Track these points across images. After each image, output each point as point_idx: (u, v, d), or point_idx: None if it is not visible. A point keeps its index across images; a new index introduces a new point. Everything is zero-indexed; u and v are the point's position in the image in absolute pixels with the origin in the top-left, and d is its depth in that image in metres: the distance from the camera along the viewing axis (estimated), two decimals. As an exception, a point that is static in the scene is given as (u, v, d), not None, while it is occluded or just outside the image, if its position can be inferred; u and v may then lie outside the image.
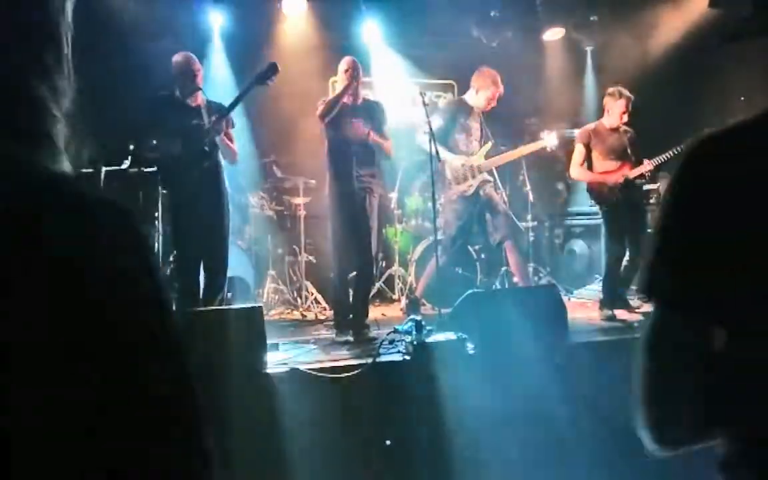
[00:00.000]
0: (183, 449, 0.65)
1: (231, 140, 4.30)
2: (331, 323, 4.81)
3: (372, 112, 4.60)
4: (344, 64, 4.57)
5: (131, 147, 4.93)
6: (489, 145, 5.28)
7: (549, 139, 5.34)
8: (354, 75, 4.50)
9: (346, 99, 4.48)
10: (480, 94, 5.15)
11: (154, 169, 4.73)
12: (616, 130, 5.20)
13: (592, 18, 7.42)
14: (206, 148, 4.08)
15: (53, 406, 0.58)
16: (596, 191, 5.18)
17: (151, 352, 0.65)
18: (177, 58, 4.22)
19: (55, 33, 0.70)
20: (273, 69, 4.03)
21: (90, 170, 4.75)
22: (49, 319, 0.59)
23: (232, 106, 4.06)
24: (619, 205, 5.05)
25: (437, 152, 4.57)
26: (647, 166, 5.04)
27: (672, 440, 0.84)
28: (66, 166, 0.69)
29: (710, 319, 0.81)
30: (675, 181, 0.85)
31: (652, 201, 6.33)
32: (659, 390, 0.83)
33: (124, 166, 5.03)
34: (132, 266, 0.66)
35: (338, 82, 4.66)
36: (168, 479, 0.64)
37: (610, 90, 5.25)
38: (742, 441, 0.81)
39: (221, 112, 4.11)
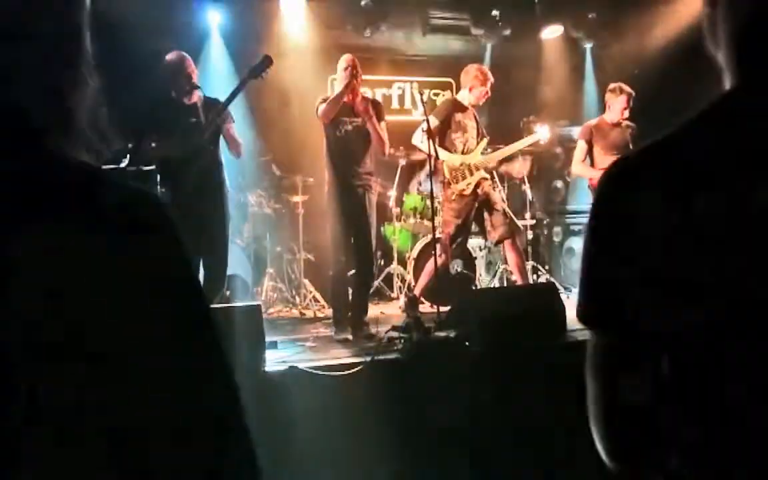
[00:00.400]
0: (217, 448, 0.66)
1: (233, 133, 4.27)
2: (330, 321, 4.81)
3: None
4: (344, 62, 4.56)
5: (130, 146, 4.92)
6: (485, 142, 5.29)
7: (542, 132, 5.38)
8: (353, 73, 4.48)
9: (345, 97, 4.47)
10: (473, 92, 5.16)
11: (153, 167, 4.71)
12: (618, 125, 5.23)
13: (590, 15, 7.42)
14: (204, 146, 4.08)
15: (71, 399, 0.58)
16: None
17: (190, 345, 0.65)
18: (171, 57, 4.20)
19: (76, 28, 0.71)
20: (267, 61, 4.02)
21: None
22: (84, 307, 0.59)
23: (228, 101, 4.05)
24: None
25: (435, 150, 4.57)
26: None
27: (625, 458, 0.85)
28: (90, 158, 0.69)
29: (642, 343, 0.81)
30: (594, 208, 0.86)
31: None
32: (605, 409, 0.85)
33: (122, 165, 5.02)
34: (169, 256, 0.66)
35: (338, 80, 4.65)
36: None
37: (612, 86, 5.28)
38: (691, 460, 0.81)
39: (218, 109, 4.10)
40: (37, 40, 0.66)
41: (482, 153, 5.21)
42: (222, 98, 4.20)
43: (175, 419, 0.63)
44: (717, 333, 0.77)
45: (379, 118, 4.59)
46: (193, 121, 4.11)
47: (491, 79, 5.15)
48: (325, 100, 4.49)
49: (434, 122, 4.99)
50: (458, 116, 5.13)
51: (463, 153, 5.12)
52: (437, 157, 4.68)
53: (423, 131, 4.81)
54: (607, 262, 0.84)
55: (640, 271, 0.80)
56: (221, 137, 4.27)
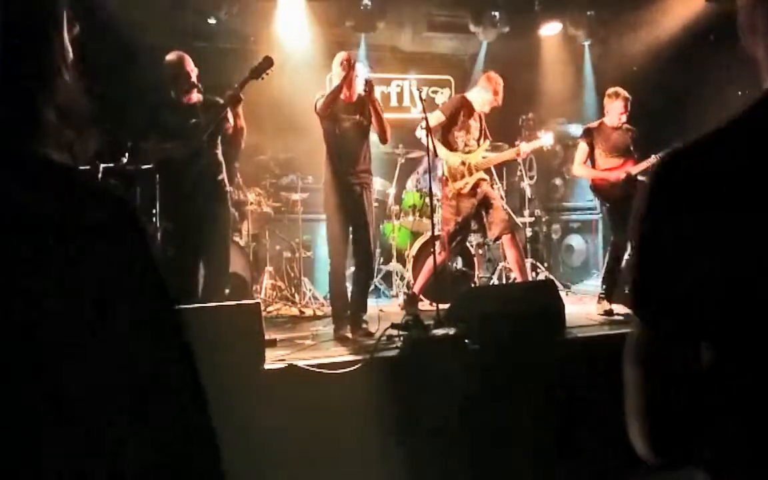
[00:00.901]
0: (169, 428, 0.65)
1: (237, 129, 4.23)
2: (329, 319, 4.82)
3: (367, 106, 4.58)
4: (339, 57, 4.56)
5: (129, 144, 4.92)
6: (487, 143, 5.30)
7: (545, 139, 5.41)
8: (349, 67, 4.48)
9: (343, 94, 4.46)
10: (483, 97, 5.18)
11: (152, 166, 4.71)
12: (618, 128, 5.24)
13: (589, 13, 7.42)
14: (204, 146, 4.07)
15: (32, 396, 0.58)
16: (599, 188, 5.25)
17: (147, 337, 0.65)
18: (170, 58, 4.17)
19: (51, 32, 0.70)
20: (268, 62, 4.03)
21: (88, 167, 4.73)
22: (48, 306, 0.59)
23: (228, 102, 4.05)
24: (622, 200, 5.08)
25: (434, 148, 4.57)
26: (653, 160, 5.06)
27: (663, 452, 0.84)
28: (64, 157, 0.69)
29: (693, 338, 0.81)
30: (649, 197, 0.85)
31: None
32: (646, 404, 0.84)
33: (122, 163, 5.01)
34: (131, 256, 0.66)
35: (334, 76, 4.65)
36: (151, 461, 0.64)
37: (609, 91, 5.30)
38: (731, 452, 0.81)
39: (217, 109, 4.09)
40: (10, 48, 0.65)
41: (483, 155, 5.22)
42: (221, 98, 4.20)
43: (135, 421, 0.63)
44: (762, 327, 0.77)
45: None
46: (192, 122, 4.10)
47: (501, 92, 5.14)
48: (324, 96, 4.49)
49: (440, 117, 5.04)
50: (464, 115, 5.16)
51: (464, 152, 5.13)
52: (436, 154, 4.68)
53: (422, 128, 4.81)
54: (658, 253, 0.83)
55: (690, 264, 0.79)
56: (221, 137, 4.25)
